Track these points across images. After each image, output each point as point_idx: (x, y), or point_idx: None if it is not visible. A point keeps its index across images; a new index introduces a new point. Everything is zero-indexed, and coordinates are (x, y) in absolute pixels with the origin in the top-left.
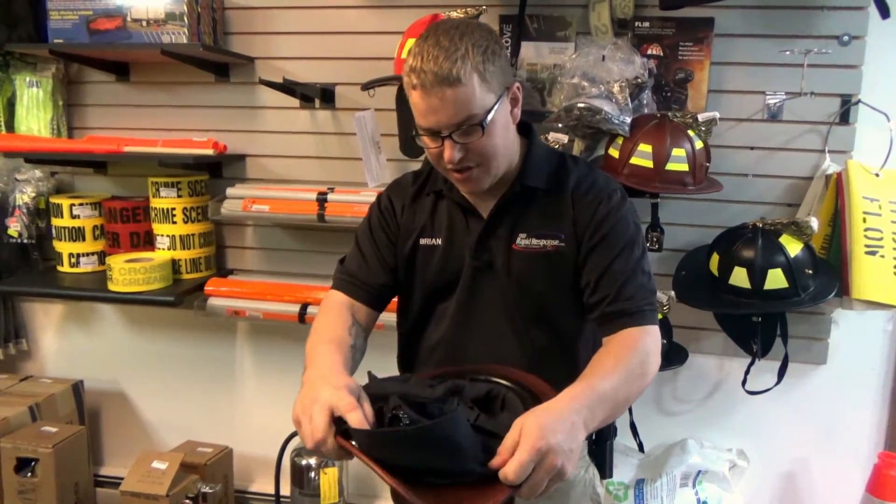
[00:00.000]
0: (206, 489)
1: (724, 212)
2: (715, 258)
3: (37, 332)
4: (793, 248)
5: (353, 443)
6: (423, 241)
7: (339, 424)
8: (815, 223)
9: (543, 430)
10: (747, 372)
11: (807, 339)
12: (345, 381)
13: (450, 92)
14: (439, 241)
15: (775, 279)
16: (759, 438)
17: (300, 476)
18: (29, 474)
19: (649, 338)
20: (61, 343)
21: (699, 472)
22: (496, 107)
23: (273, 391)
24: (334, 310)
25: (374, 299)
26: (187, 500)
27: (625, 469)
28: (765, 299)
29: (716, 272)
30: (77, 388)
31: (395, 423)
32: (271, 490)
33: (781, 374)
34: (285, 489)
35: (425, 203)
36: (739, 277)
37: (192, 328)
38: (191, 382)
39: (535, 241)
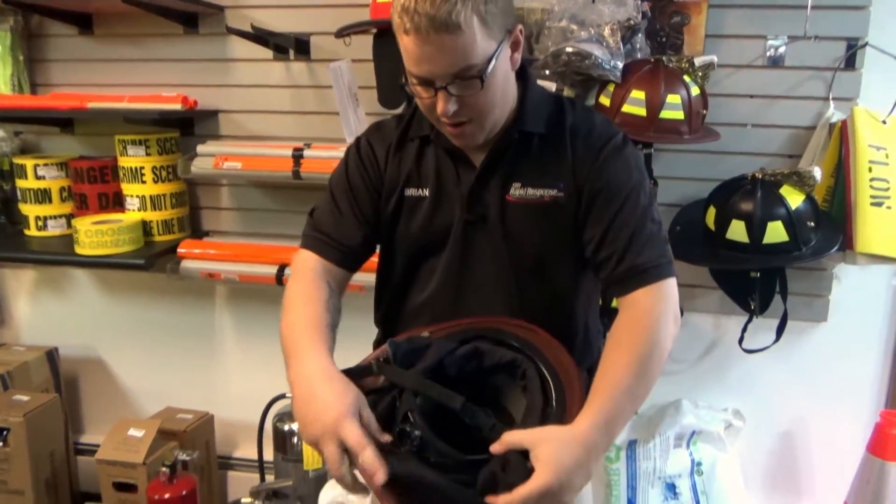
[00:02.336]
0: (184, 456)
1: (721, 164)
2: (711, 212)
3: (8, 298)
4: (794, 199)
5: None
6: (408, 192)
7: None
8: (818, 173)
9: (559, 468)
10: (744, 330)
11: (807, 296)
12: (345, 399)
13: (447, 39)
14: (426, 193)
15: (775, 232)
16: (756, 398)
17: (283, 441)
18: (1, 444)
19: (663, 302)
20: (34, 309)
21: (693, 432)
22: (497, 54)
23: (254, 355)
24: (309, 279)
25: (350, 260)
26: (164, 468)
27: None
28: (764, 254)
29: (712, 226)
30: (51, 355)
31: (403, 438)
32: (255, 455)
33: (780, 331)
34: (269, 454)
35: (410, 149)
36: (737, 231)
37: (170, 293)
38: (170, 348)
39: (530, 192)
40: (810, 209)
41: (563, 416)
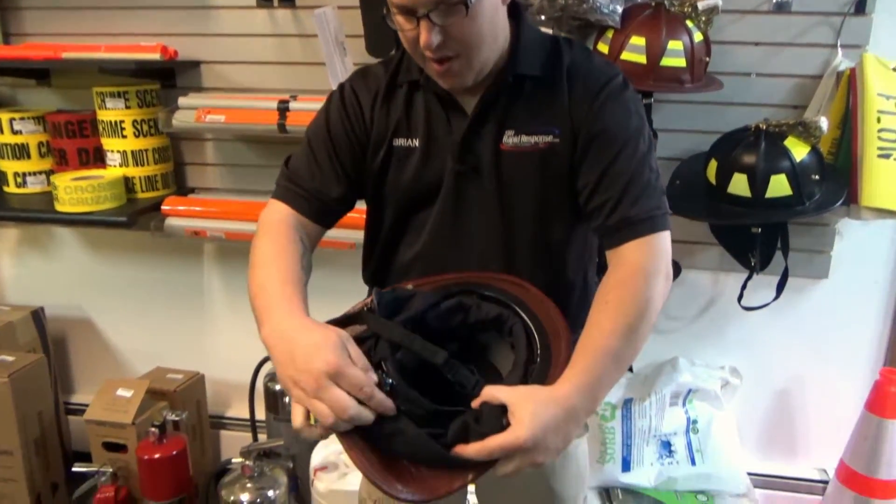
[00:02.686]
0: (173, 416)
1: (723, 115)
2: (713, 164)
3: None
4: (799, 151)
5: None
6: (397, 143)
7: None
8: (824, 123)
9: (535, 427)
10: (744, 287)
11: (808, 252)
12: (332, 342)
13: None
14: (416, 142)
15: (778, 186)
16: (753, 356)
17: (274, 401)
18: None
19: (655, 258)
20: (19, 269)
21: (690, 390)
22: None
23: (244, 315)
24: (281, 232)
25: (325, 215)
26: (153, 428)
27: (613, 389)
28: (766, 208)
29: (713, 180)
30: (37, 315)
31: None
32: (248, 415)
33: (780, 288)
34: (261, 414)
35: (398, 97)
36: (739, 185)
37: (156, 251)
38: (158, 308)
39: (525, 139)
40: (815, 161)
41: (546, 373)
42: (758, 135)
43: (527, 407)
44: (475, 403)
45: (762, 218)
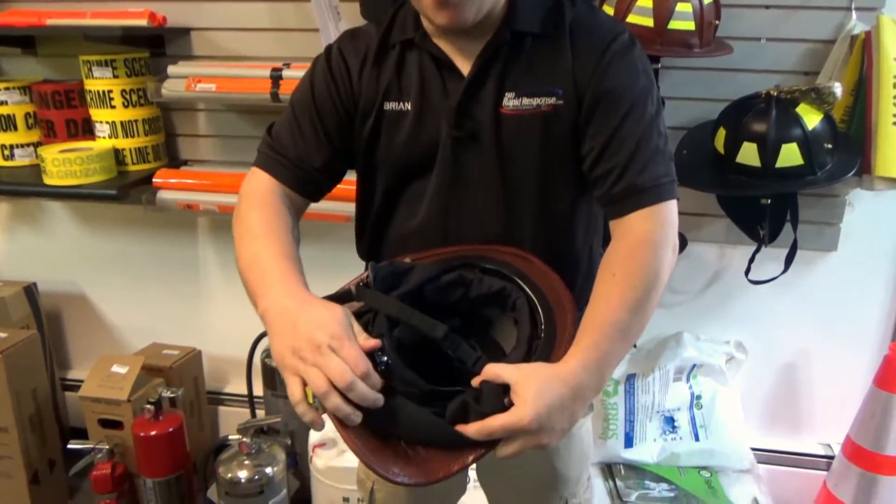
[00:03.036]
0: (168, 393)
1: (732, 82)
2: (721, 133)
3: None
4: (811, 119)
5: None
6: (388, 107)
7: None
8: (838, 88)
9: (540, 407)
10: (752, 260)
11: (817, 224)
12: (335, 313)
13: None
14: (408, 106)
15: (789, 155)
16: (759, 330)
17: (271, 377)
18: None
19: (662, 228)
20: (10, 244)
21: (694, 365)
22: None
23: (239, 289)
24: (268, 203)
25: (311, 185)
26: (148, 405)
27: None
28: (776, 179)
29: (721, 150)
30: (30, 290)
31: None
32: (246, 391)
33: (789, 261)
34: (259, 390)
35: (390, 58)
36: (748, 154)
37: (150, 225)
38: (153, 283)
39: (526, 101)
40: (828, 129)
41: (551, 349)
42: (769, 101)
43: (530, 385)
44: (476, 381)
45: (772, 189)
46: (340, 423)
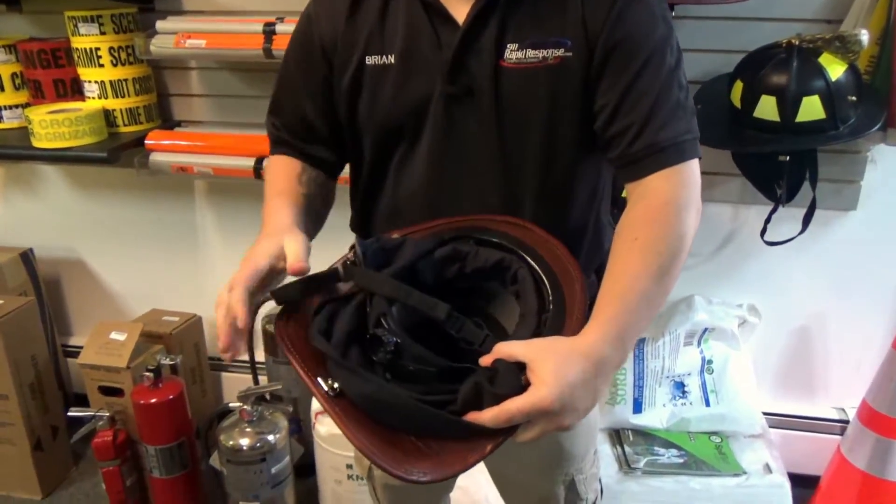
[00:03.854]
0: (167, 360)
1: (750, 32)
2: (738, 87)
3: None
4: (834, 69)
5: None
6: (370, 61)
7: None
8: (865, 36)
9: (560, 386)
10: (768, 220)
11: (837, 182)
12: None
13: None
14: (391, 59)
15: (810, 109)
16: (773, 293)
17: (273, 344)
18: None
19: (686, 188)
20: (5, 209)
21: (705, 329)
22: None
23: (238, 254)
24: (279, 160)
25: (315, 160)
26: (147, 373)
27: None
28: (796, 134)
29: (738, 104)
30: (26, 256)
31: (375, 345)
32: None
33: (807, 221)
34: (261, 356)
35: (371, 5)
36: (767, 109)
37: (147, 189)
38: (153, 248)
39: (530, 53)
40: (852, 81)
41: (562, 321)
42: (789, 52)
43: (548, 362)
44: (486, 360)
45: (791, 144)
46: (337, 411)
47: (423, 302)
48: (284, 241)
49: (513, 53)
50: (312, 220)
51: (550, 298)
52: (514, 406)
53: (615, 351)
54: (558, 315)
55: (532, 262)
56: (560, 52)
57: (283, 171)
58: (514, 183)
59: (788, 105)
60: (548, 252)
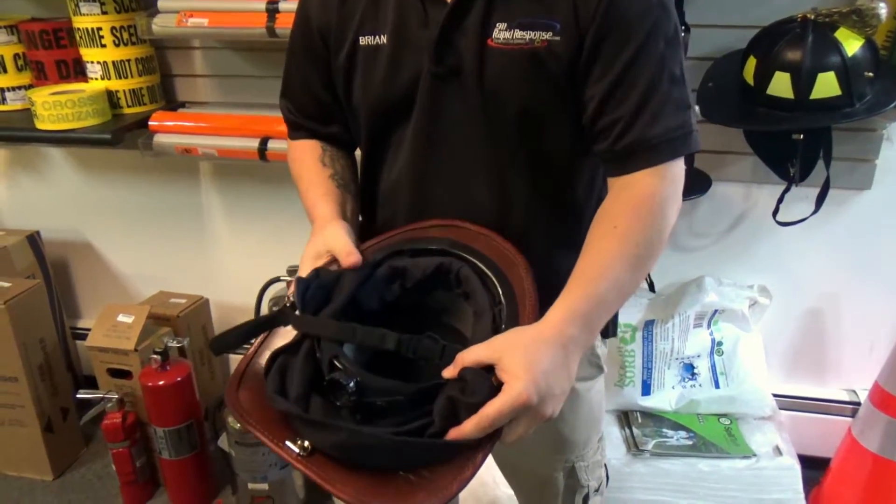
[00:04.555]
0: (174, 343)
1: (763, 7)
2: (751, 63)
3: None
4: (851, 45)
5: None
6: (363, 41)
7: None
8: (883, 9)
9: (533, 376)
10: (780, 200)
11: (851, 161)
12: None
13: None
14: (384, 39)
15: (826, 86)
16: (785, 274)
17: None
18: None
19: (671, 185)
20: (12, 192)
21: (715, 311)
22: None
23: (245, 237)
24: (299, 146)
25: (331, 139)
26: (154, 355)
27: (632, 310)
28: (810, 111)
29: (751, 81)
30: (33, 239)
31: (337, 390)
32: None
33: (820, 201)
34: None
35: None
36: (780, 86)
37: (152, 171)
38: (159, 230)
39: (518, 35)
40: (869, 56)
41: (516, 309)
42: (804, 26)
43: (515, 357)
44: (450, 372)
45: (805, 122)
46: (316, 468)
47: (369, 336)
48: (328, 239)
49: (501, 33)
50: (351, 193)
51: (499, 290)
52: (492, 410)
53: (581, 332)
54: (511, 304)
55: (471, 259)
56: (548, 36)
57: (307, 158)
58: (499, 167)
59: (803, 81)
60: (483, 244)
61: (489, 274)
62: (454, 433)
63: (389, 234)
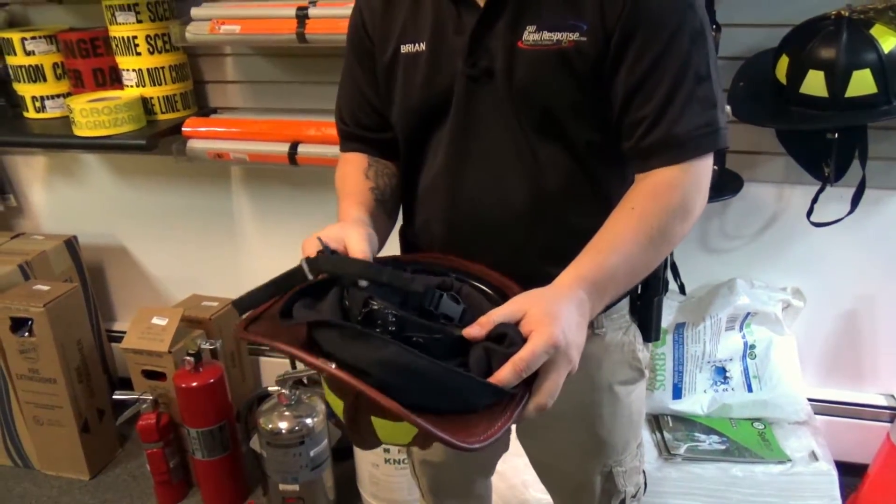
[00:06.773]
0: (207, 345)
1: (795, 4)
2: (784, 61)
3: (23, 186)
4: (887, 41)
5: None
6: (404, 49)
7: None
8: None
9: (559, 321)
10: (815, 200)
11: (886, 160)
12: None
13: None
14: (423, 46)
15: (861, 83)
16: (819, 275)
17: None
18: (26, 334)
19: (696, 181)
20: (50, 197)
21: (748, 314)
22: None
23: (275, 240)
24: (347, 159)
25: (380, 147)
26: (188, 357)
27: (663, 313)
28: (845, 110)
29: (784, 80)
30: (71, 244)
31: (372, 320)
32: None
33: (856, 201)
34: None
35: None
36: (814, 84)
37: (185, 176)
38: (191, 234)
39: (546, 36)
40: None
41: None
42: (839, 23)
43: (539, 307)
44: (474, 331)
45: (840, 121)
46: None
47: (397, 278)
48: (348, 233)
49: (530, 35)
50: (386, 212)
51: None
52: (527, 352)
53: (589, 296)
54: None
55: (471, 281)
56: (575, 36)
57: (352, 170)
58: (533, 166)
59: (837, 79)
60: (478, 270)
61: (490, 292)
62: (492, 380)
63: (404, 256)
